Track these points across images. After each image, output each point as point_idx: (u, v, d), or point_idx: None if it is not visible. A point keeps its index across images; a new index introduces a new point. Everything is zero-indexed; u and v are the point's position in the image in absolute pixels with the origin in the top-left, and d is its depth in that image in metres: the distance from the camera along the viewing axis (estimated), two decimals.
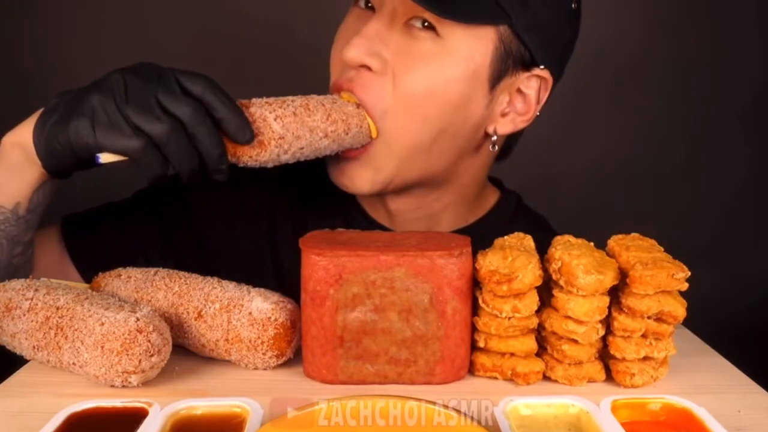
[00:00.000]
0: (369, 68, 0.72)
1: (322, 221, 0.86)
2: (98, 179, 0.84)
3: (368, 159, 0.74)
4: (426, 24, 0.71)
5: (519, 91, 0.77)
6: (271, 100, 0.68)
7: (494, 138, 0.78)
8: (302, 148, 0.68)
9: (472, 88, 0.73)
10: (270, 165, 0.68)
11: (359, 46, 0.71)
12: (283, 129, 0.66)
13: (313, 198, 0.90)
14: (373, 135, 0.72)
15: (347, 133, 0.71)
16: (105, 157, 0.61)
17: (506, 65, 0.74)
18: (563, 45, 0.78)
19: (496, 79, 0.74)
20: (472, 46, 0.72)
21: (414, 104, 0.72)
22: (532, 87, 0.77)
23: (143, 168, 0.62)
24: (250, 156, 0.66)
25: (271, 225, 0.89)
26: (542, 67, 0.76)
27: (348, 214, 0.88)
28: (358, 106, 0.72)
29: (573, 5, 0.76)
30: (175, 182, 0.83)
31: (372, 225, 0.86)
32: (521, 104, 0.78)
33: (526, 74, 0.76)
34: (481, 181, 0.86)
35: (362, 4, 0.76)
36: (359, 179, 0.76)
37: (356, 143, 0.73)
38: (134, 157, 0.61)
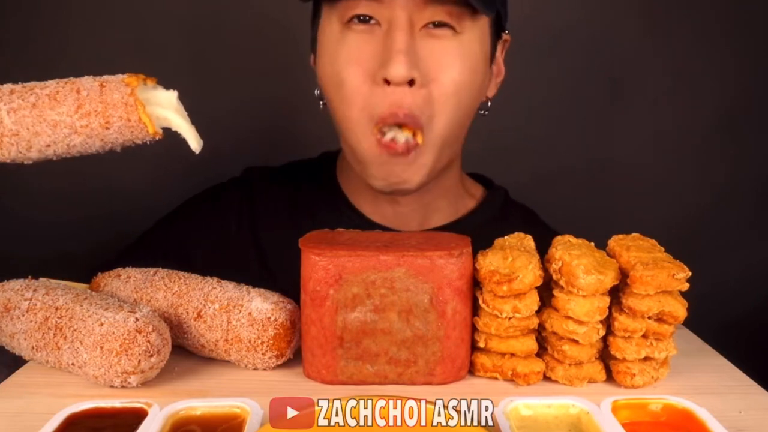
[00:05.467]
0: (413, 81, 0.73)
1: (314, 220, 0.88)
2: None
3: (415, 156, 0.76)
4: (438, 23, 0.75)
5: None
6: (20, 87, 0.59)
7: (488, 104, 0.85)
8: (49, 146, 0.59)
9: (484, 71, 0.80)
10: (18, 162, 0.60)
11: (403, 62, 0.72)
12: (16, 124, 0.57)
13: (305, 199, 0.92)
14: (150, 130, 0.58)
15: (108, 128, 0.58)
16: None
17: (495, 42, 0.82)
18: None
19: (492, 57, 0.82)
20: (480, 35, 0.78)
21: (450, 99, 0.76)
22: (498, 50, 0.85)
23: None
24: None
25: (254, 233, 0.92)
26: (506, 32, 0.84)
27: (342, 214, 0.90)
28: (132, 93, 0.58)
29: None
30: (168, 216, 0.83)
31: (367, 223, 0.88)
32: (495, 67, 0.85)
33: (499, 41, 0.84)
34: (460, 160, 0.90)
35: (357, 21, 0.75)
36: (411, 178, 0.77)
37: (134, 138, 0.59)
38: None
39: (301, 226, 0.89)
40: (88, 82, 0.59)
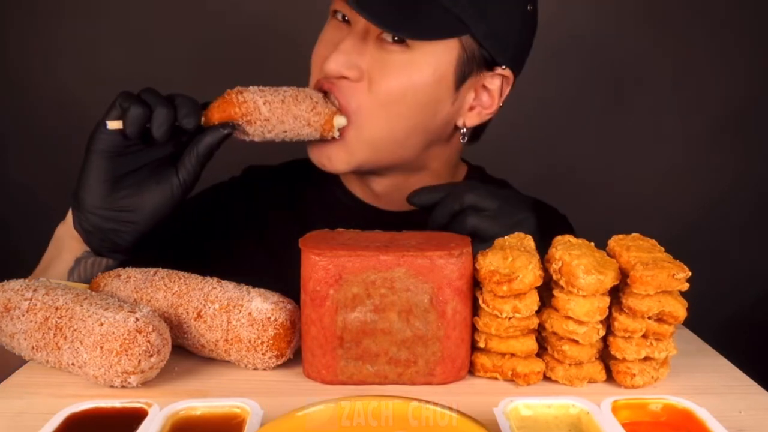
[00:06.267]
0: (347, 78, 0.81)
1: (317, 216, 0.92)
2: None
3: (343, 143, 0.83)
4: (396, 38, 0.80)
5: (484, 87, 0.86)
6: (266, 88, 0.78)
7: (463, 130, 0.88)
8: (285, 132, 0.79)
9: (439, 91, 0.82)
10: (257, 140, 0.78)
11: (338, 60, 0.80)
12: (270, 113, 0.77)
13: (306, 196, 0.97)
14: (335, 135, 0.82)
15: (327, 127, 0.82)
16: (111, 124, 0.73)
17: (470, 68, 0.83)
18: (521, 46, 0.87)
19: (461, 81, 0.83)
20: (438, 56, 0.81)
21: (387, 105, 0.81)
22: (496, 84, 0.86)
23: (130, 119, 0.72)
24: (239, 131, 0.77)
25: (260, 231, 0.95)
26: (504, 67, 0.85)
27: (344, 205, 0.95)
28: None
29: (529, 7, 0.85)
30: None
31: (368, 208, 0.94)
32: (486, 98, 0.87)
33: (490, 73, 0.85)
34: (454, 162, 0.95)
35: (339, 17, 0.84)
36: (336, 160, 0.84)
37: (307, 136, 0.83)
38: (127, 108, 0.72)
39: (305, 223, 0.92)
40: (315, 93, 0.81)
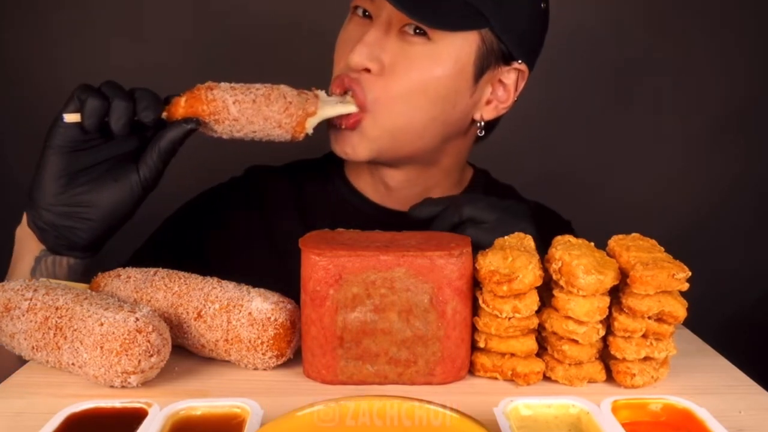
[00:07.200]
0: (369, 70, 0.82)
1: (322, 216, 0.93)
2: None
3: (362, 132, 0.84)
4: (418, 30, 0.81)
5: (500, 81, 0.88)
6: (238, 85, 0.76)
7: (481, 123, 0.90)
8: (255, 132, 0.77)
9: (458, 82, 0.84)
10: (225, 138, 0.77)
11: (362, 52, 0.81)
12: (239, 113, 0.75)
13: (311, 195, 0.97)
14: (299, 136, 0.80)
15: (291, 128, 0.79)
16: (69, 117, 0.71)
17: (489, 61, 0.85)
18: (535, 41, 0.89)
19: (479, 74, 0.85)
20: (458, 48, 0.82)
21: (408, 96, 0.82)
22: (511, 78, 0.88)
23: (88, 113, 0.71)
24: (207, 128, 0.76)
25: (265, 231, 0.95)
26: (520, 61, 0.87)
27: (350, 204, 0.96)
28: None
29: (542, 5, 0.88)
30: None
31: (374, 207, 0.95)
32: (502, 93, 0.89)
33: (506, 68, 0.87)
34: (464, 160, 0.97)
35: (360, 13, 0.85)
36: (360, 147, 0.85)
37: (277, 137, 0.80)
38: (84, 100, 0.71)
39: (307, 223, 0.92)
40: (290, 92, 0.78)
